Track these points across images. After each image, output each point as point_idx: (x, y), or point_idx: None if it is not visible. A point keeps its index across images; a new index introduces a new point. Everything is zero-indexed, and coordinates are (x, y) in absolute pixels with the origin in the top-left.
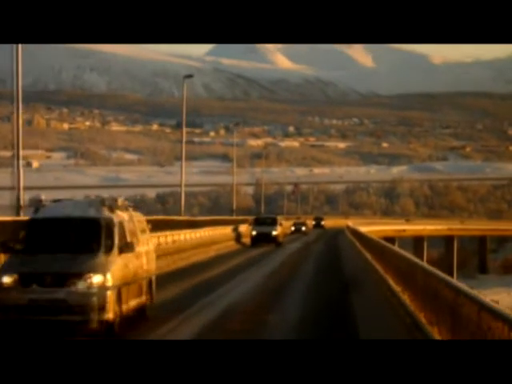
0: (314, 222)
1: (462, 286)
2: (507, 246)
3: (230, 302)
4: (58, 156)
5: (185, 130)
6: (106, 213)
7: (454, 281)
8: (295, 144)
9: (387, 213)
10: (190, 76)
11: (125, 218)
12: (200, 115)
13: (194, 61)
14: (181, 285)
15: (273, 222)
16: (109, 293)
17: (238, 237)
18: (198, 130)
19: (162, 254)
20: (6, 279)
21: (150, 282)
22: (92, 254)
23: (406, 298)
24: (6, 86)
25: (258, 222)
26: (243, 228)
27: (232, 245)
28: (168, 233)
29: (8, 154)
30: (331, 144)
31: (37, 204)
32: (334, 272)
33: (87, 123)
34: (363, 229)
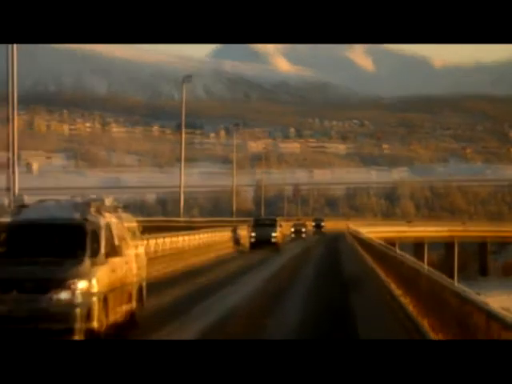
0: (313, 224)
1: (476, 297)
2: (509, 248)
3: (229, 306)
4: (58, 158)
5: (185, 131)
6: (92, 215)
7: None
8: (295, 146)
9: (388, 215)
10: (189, 77)
11: (113, 219)
12: (200, 117)
13: (194, 62)
14: (171, 292)
15: (272, 224)
16: (94, 300)
17: (236, 241)
18: (198, 131)
19: (159, 256)
20: None
21: (140, 288)
22: (76, 258)
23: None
24: (3, 88)
25: (257, 224)
26: (243, 232)
27: (231, 247)
28: (166, 234)
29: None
30: (332, 146)
31: (19, 205)
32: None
33: (87, 125)
34: (364, 230)
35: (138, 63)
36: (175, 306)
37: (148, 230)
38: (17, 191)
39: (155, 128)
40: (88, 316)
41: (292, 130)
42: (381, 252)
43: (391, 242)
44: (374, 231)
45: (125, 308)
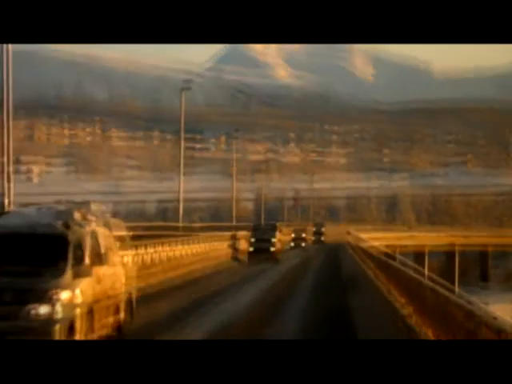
0: (314, 229)
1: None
2: (510, 258)
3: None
4: (58, 163)
5: (184, 136)
6: (76, 222)
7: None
8: (296, 154)
9: (388, 222)
10: (188, 81)
11: (99, 226)
12: (200, 124)
13: (194, 66)
14: (163, 304)
15: (272, 229)
16: (77, 312)
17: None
18: (198, 136)
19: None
20: None
21: (129, 299)
22: (58, 268)
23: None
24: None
25: (256, 229)
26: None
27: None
28: (165, 240)
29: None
30: (332, 154)
31: None
32: None
33: (88, 130)
34: (365, 235)
35: (139, 70)
36: (168, 317)
37: (145, 236)
38: (12, 197)
39: (155, 134)
40: (70, 329)
41: (292, 139)
42: (395, 272)
43: (392, 250)
44: (375, 237)
45: (112, 320)
